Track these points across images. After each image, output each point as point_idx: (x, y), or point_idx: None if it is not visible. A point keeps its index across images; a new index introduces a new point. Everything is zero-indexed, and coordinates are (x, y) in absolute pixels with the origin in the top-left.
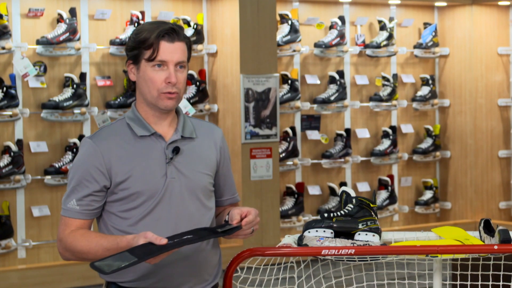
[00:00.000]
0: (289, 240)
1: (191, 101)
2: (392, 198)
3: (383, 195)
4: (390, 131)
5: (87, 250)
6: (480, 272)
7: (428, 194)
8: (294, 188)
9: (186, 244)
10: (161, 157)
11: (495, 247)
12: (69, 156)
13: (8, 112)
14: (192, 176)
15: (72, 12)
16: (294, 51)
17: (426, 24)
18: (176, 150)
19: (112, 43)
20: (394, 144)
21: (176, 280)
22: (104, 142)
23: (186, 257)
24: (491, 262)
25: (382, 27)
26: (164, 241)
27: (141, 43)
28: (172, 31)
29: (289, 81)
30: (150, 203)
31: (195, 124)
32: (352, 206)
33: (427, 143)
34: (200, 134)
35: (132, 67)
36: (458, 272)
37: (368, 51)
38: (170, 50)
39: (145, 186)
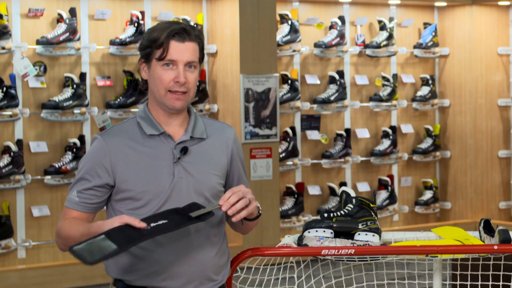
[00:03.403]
0: (289, 240)
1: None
2: (392, 198)
3: (383, 195)
4: (390, 131)
5: (68, 236)
6: (480, 272)
7: (428, 194)
8: (294, 188)
9: (164, 232)
10: (169, 157)
11: (495, 247)
12: (69, 156)
13: (8, 112)
14: (200, 177)
15: (72, 12)
16: (294, 51)
17: (426, 24)
18: (184, 150)
19: (112, 43)
20: (394, 144)
21: (181, 279)
22: (112, 140)
23: (191, 255)
24: (491, 262)
25: (382, 27)
26: (142, 224)
27: (153, 42)
28: (183, 31)
29: (289, 81)
30: (156, 202)
31: (207, 124)
32: (352, 206)
33: (427, 143)
34: (211, 135)
35: (144, 66)
36: (458, 272)
37: (368, 51)
38: (180, 50)
39: (149, 185)
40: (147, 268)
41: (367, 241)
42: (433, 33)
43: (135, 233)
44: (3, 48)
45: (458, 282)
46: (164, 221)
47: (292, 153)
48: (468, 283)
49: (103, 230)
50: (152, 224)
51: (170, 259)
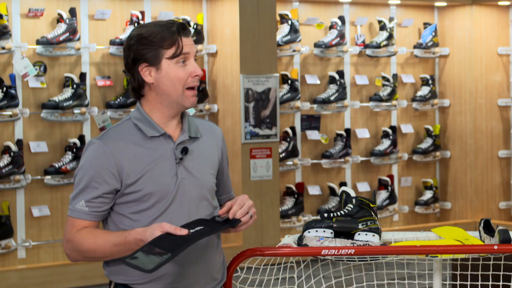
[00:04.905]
0: (289, 240)
1: None
2: (392, 198)
3: (383, 195)
4: (390, 131)
5: (95, 248)
6: (480, 272)
7: (428, 194)
8: (294, 188)
9: (204, 236)
10: (171, 158)
11: (495, 247)
12: (69, 156)
13: (8, 112)
14: (200, 176)
15: (72, 12)
16: (294, 51)
17: (426, 24)
18: (185, 151)
19: (112, 43)
20: (394, 144)
21: (188, 280)
22: (114, 143)
23: (196, 256)
24: (491, 262)
25: (382, 27)
26: (184, 231)
27: (160, 43)
28: (184, 26)
29: (289, 81)
30: (162, 204)
31: (197, 123)
32: (352, 206)
33: (427, 143)
34: (203, 134)
35: (147, 69)
36: (458, 272)
37: (368, 51)
38: (189, 44)
39: (156, 186)
40: (155, 272)
41: (367, 241)
42: (433, 33)
43: (179, 239)
44: (3, 48)
45: (458, 282)
46: (201, 227)
47: (292, 153)
48: (468, 283)
49: (144, 239)
50: (191, 230)
51: (175, 261)
